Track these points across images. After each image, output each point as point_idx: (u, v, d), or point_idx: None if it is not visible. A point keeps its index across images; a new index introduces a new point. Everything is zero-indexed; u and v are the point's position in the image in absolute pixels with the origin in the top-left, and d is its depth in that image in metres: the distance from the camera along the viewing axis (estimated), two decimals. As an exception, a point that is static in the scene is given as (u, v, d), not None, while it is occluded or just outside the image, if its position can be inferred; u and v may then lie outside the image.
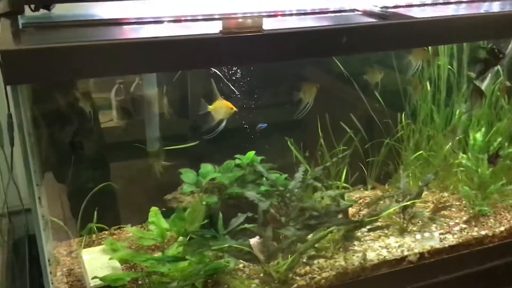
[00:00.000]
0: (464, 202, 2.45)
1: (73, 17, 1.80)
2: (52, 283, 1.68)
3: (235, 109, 1.95)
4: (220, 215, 2.00)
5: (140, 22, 1.80)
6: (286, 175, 2.23)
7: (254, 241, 1.90)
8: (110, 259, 1.89)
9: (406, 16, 1.88)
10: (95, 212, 2.11)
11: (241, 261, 1.96)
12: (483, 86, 2.32)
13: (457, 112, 2.48)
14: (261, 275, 1.93)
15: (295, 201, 2.03)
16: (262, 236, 1.90)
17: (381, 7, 1.96)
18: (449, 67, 2.44)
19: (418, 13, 1.96)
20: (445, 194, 2.55)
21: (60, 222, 2.04)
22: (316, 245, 2.00)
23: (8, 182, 2.14)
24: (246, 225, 1.92)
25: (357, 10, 2.00)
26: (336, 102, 2.67)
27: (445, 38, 1.99)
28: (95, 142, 2.30)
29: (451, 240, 2.20)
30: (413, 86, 2.37)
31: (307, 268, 2.00)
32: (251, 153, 2.25)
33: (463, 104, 2.46)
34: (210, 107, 1.94)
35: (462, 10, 2.12)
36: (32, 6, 1.69)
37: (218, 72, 2.17)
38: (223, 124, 1.95)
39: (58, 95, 2.07)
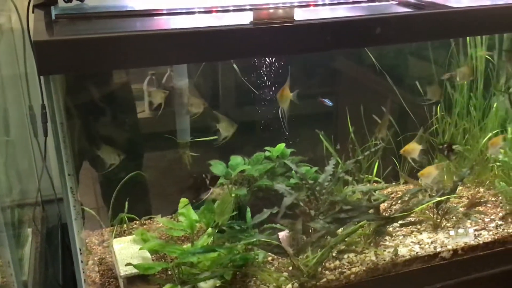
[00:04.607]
0: (500, 198, 2.38)
1: (106, 8, 1.81)
2: (84, 272, 1.70)
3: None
4: (248, 208, 1.99)
5: (171, 13, 1.80)
6: (316, 168, 2.21)
7: (283, 234, 1.89)
8: (140, 249, 1.91)
9: (443, 5, 1.83)
10: (126, 203, 2.13)
11: (270, 254, 1.95)
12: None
13: (495, 105, 2.41)
14: (290, 268, 1.91)
15: (325, 194, 2.00)
16: (291, 229, 1.89)
17: (417, -3, 1.91)
18: (488, 57, 2.37)
19: (454, 3, 1.90)
20: (481, 189, 2.48)
21: (92, 211, 2.07)
22: (346, 240, 1.97)
23: (42, 172, 2.18)
24: (278, 226, 1.90)
25: (392, 0, 1.95)
26: (368, 94, 2.63)
27: (482, 29, 1.93)
28: (127, 132, 2.33)
29: (486, 236, 2.14)
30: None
31: (337, 262, 1.98)
32: (281, 146, 2.23)
33: (501, 97, 2.39)
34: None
35: (501, -1, 2.05)
36: (65, -3, 1.71)
37: (234, 66, 2.15)
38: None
39: (90, 85, 2.10)
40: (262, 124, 2.32)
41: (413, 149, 2.06)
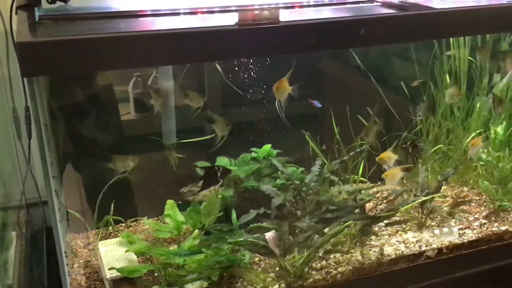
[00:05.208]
0: (484, 197, 2.41)
1: (90, 9, 1.80)
2: (69, 275, 1.68)
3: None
4: (233, 210, 1.99)
5: (156, 14, 1.79)
6: (302, 169, 2.21)
7: (269, 235, 1.89)
8: (126, 251, 1.90)
9: (426, 7, 1.85)
10: (112, 205, 2.12)
11: (257, 254, 1.95)
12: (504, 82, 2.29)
13: (477, 105, 2.44)
14: (277, 269, 1.92)
15: (311, 195, 2.01)
16: (277, 230, 1.89)
17: (401, -2, 1.93)
18: (470, 58, 2.39)
19: (438, 4, 1.92)
20: (465, 188, 2.51)
21: (77, 214, 2.05)
22: (332, 240, 1.98)
23: (26, 174, 2.16)
24: (265, 224, 1.90)
25: (376, 1, 1.97)
26: (353, 95, 2.64)
27: (465, 30, 1.95)
28: (112, 134, 2.31)
29: (470, 235, 2.16)
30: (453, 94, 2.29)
31: (323, 262, 1.99)
32: (267, 147, 2.23)
33: (484, 97, 2.42)
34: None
35: (483, 1, 2.08)
36: (49, -2, 1.69)
37: (218, 67, 2.14)
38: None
39: (75, 87, 2.08)
40: (249, 125, 2.32)
41: (389, 157, 2.07)
